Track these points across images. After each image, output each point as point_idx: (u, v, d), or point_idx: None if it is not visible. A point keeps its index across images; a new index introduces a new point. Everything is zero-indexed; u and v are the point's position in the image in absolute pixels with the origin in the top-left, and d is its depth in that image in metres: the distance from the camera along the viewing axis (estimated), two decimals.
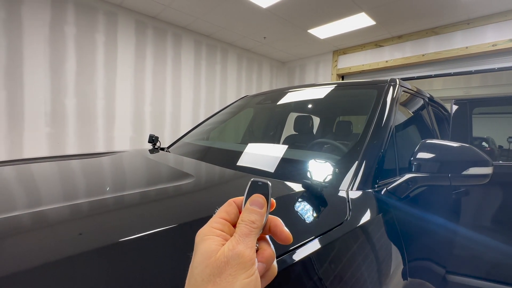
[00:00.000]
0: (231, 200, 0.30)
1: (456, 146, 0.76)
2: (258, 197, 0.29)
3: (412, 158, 0.78)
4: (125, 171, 0.86)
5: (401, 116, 1.12)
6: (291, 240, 0.29)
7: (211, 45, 4.73)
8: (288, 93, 1.54)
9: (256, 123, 1.96)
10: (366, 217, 0.60)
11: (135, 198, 0.56)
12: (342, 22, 3.82)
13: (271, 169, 0.83)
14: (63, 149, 3.32)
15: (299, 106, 1.69)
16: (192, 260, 0.25)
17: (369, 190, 0.70)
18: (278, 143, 1.77)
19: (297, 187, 0.68)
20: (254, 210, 0.28)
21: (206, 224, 0.28)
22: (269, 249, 0.28)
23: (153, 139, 1.58)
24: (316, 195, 0.62)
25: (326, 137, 1.59)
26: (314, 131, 1.97)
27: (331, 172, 0.65)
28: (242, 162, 0.91)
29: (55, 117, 3.21)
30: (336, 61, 5.10)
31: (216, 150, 1.17)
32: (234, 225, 0.28)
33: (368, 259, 0.54)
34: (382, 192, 0.72)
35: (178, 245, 0.39)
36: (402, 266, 0.65)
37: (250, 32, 4.39)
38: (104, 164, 0.93)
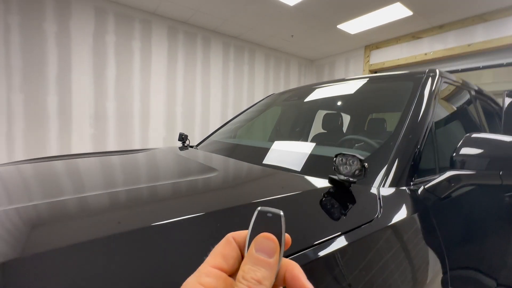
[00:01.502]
0: (229, 237, 0.22)
1: (509, 141, 0.67)
2: (266, 240, 0.21)
3: (454, 154, 0.70)
4: (157, 165, 0.91)
5: (442, 110, 1.02)
6: None
7: (239, 46, 4.79)
8: (316, 90, 1.50)
9: (283, 121, 1.93)
10: (400, 216, 0.55)
11: (165, 188, 0.58)
12: (374, 15, 3.62)
13: (296, 165, 0.81)
14: (104, 148, 3.60)
15: (327, 103, 1.63)
16: None
17: (403, 188, 0.64)
18: (306, 141, 1.73)
19: (323, 182, 0.65)
20: (261, 261, 0.20)
21: (193, 275, 0.20)
22: None
23: (182, 137, 1.64)
24: (343, 191, 0.59)
25: (358, 135, 1.51)
26: (344, 129, 1.89)
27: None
28: (266, 158, 0.91)
29: (98, 119, 3.51)
30: (368, 56, 4.86)
31: (241, 147, 1.17)
32: (233, 274, 0.21)
33: (400, 262, 0.50)
34: (419, 191, 0.66)
35: (203, 232, 0.40)
36: (441, 274, 0.58)
37: (277, 31, 4.36)
38: (139, 159, 0.99)
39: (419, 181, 0.71)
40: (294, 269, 0.21)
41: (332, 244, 0.42)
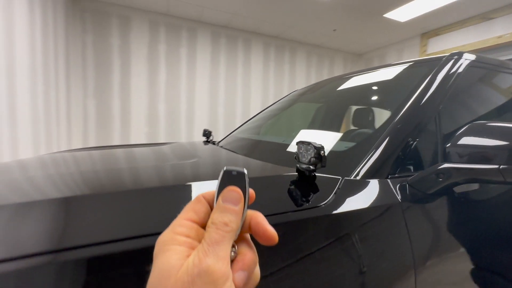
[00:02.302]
0: (200, 196, 0.25)
1: None
2: (232, 191, 0.24)
3: (449, 144, 0.60)
4: (166, 153, 1.03)
5: (464, 100, 0.89)
6: (277, 240, 0.23)
7: (280, 45, 4.81)
8: (338, 83, 1.43)
9: (307, 118, 1.90)
10: (356, 205, 0.51)
11: (159, 166, 0.68)
12: None
13: (274, 155, 0.81)
14: None
15: (354, 97, 1.54)
16: (149, 278, 0.20)
17: (379, 180, 0.59)
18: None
19: (286, 171, 0.65)
20: (228, 209, 0.23)
21: (168, 228, 0.22)
22: (250, 253, 0.23)
23: (206, 133, 1.76)
24: (304, 179, 0.58)
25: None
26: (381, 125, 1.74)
27: (331, 157, 0.60)
28: (252, 149, 0.93)
29: (151, 119, 3.98)
30: (425, 45, 4.31)
31: (240, 140, 1.22)
32: (204, 227, 0.23)
33: (338, 253, 0.47)
34: (398, 183, 0.60)
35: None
36: (412, 277, 0.52)
37: (318, 27, 4.24)
38: (164, 149, 1.14)
39: (407, 174, 0.64)
40: (258, 217, 0.24)
41: None
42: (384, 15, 3.69)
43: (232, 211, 0.22)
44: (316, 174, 0.61)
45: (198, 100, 4.26)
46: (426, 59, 1.00)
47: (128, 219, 0.40)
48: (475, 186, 0.63)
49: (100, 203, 0.44)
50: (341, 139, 0.95)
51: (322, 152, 0.55)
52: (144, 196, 0.48)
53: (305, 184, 0.57)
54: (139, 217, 0.41)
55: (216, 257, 0.20)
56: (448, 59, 0.90)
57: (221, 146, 1.25)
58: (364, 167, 0.62)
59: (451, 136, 0.67)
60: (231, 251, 0.22)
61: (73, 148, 3.56)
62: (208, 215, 0.23)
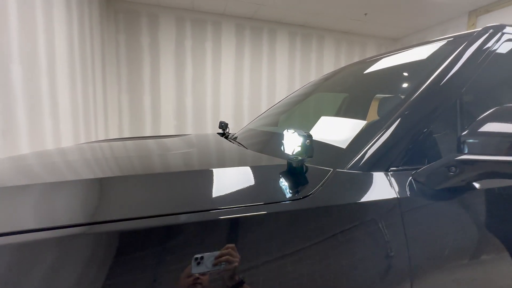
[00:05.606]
0: None
1: None
2: None
3: (466, 132, 0.51)
4: (183, 144, 1.06)
5: (497, 80, 0.76)
6: None
7: (306, 34, 4.63)
8: (364, 69, 1.31)
9: (327, 109, 1.80)
10: (342, 200, 0.46)
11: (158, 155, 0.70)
12: None
13: (272, 146, 0.78)
14: None
15: (380, 84, 1.41)
16: None
17: (375, 172, 0.53)
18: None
19: (278, 162, 0.61)
20: None
21: None
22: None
23: (222, 125, 1.76)
24: (293, 169, 0.54)
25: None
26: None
27: (327, 148, 0.56)
28: (257, 141, 0.90)
29: (179, 113, 4.14)
30: (473, 24, 3.81)
31: (248, 131, 1.20)
32: None
33: (326, 255, 0.43)
34: (401, 177, 0.53)
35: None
36: (407, 278, 0.46)
37: (347, 12, 3.98)
38: (181, 140, 1.17)
39: (414, 166, 0.56)
40: None
41: (235, 211, 0.42)
42: None
43: None
44: (307, 165, 0.58)
45: (224, 93, 4.31)
46: (465, 34, 0.86)
47: (146, 198, 0.44)
48: (492, 182, 0.54)
49: (123, 183, 0.49)
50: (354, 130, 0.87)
51: (308, 141, 0.50)
52: (153, 178, 0.51)
53: (290, 175, 0.54)
54: (154, 196, 0.45)
55: None
56: (480, 33, 0.77)
57: (230, 139, 1.25)
58: (361, 158, 0.56)
59: (472, 123, 0.57)
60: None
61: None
62: None
